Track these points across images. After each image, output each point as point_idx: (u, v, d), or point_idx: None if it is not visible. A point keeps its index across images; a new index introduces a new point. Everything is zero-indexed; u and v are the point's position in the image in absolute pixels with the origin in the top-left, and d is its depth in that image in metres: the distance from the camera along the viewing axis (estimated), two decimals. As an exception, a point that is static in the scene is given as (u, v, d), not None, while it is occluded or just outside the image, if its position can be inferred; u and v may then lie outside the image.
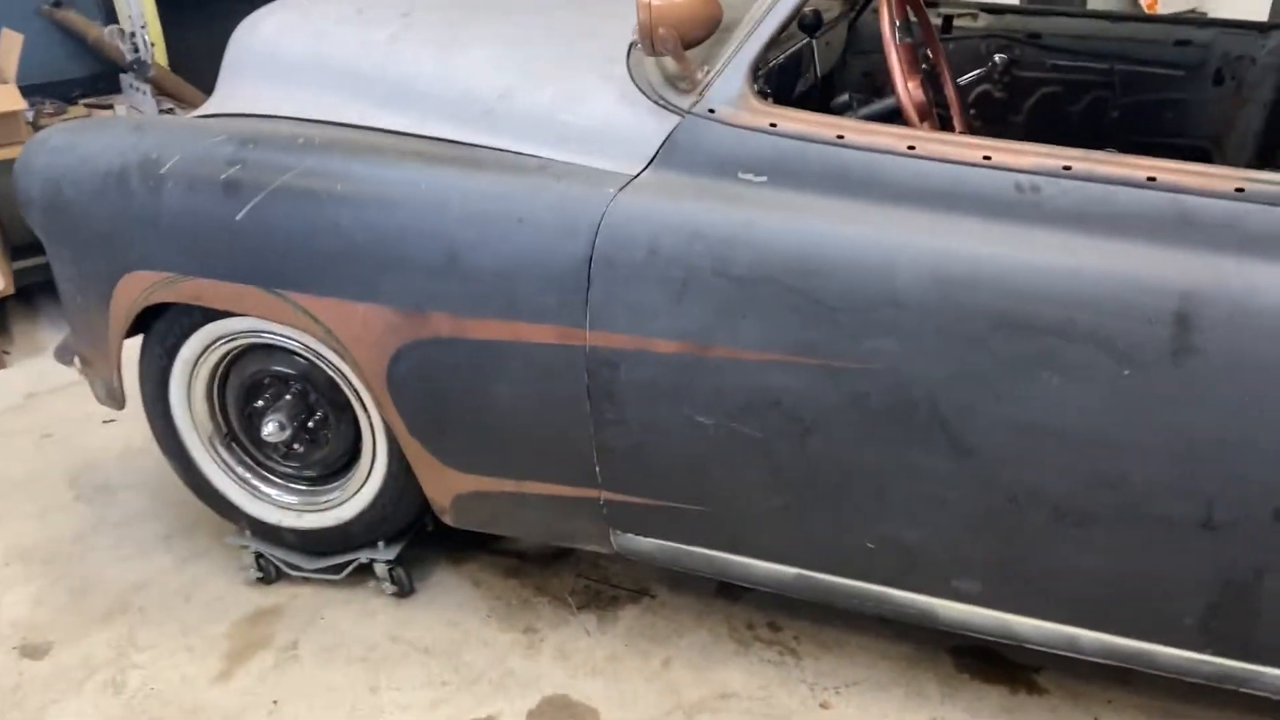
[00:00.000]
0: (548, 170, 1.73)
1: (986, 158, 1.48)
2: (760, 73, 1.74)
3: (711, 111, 1.64)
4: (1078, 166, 1.44)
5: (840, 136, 1.56)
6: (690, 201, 1.62)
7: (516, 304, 1.72)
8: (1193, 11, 4.28)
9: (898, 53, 1.81)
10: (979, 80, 2.78)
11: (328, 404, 2.11)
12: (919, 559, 1.68)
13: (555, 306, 1.70)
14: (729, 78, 1.63)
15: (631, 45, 1.89)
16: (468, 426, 1.86)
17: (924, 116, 1.79)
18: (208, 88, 4.32)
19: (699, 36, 1.63)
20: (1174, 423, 1.44)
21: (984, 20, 2.81)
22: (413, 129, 1.92)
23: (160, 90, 3.91)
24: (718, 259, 1.58)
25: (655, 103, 1.71)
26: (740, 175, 1.62)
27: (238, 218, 1.83)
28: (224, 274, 1.89)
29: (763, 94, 1.67)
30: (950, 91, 1.96)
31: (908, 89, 1.78)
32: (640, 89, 1.75)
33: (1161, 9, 4.27)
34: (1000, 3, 3.02)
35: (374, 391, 1.89)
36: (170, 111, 3.85)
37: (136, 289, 1.97)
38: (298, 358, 2.08)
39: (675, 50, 1.61)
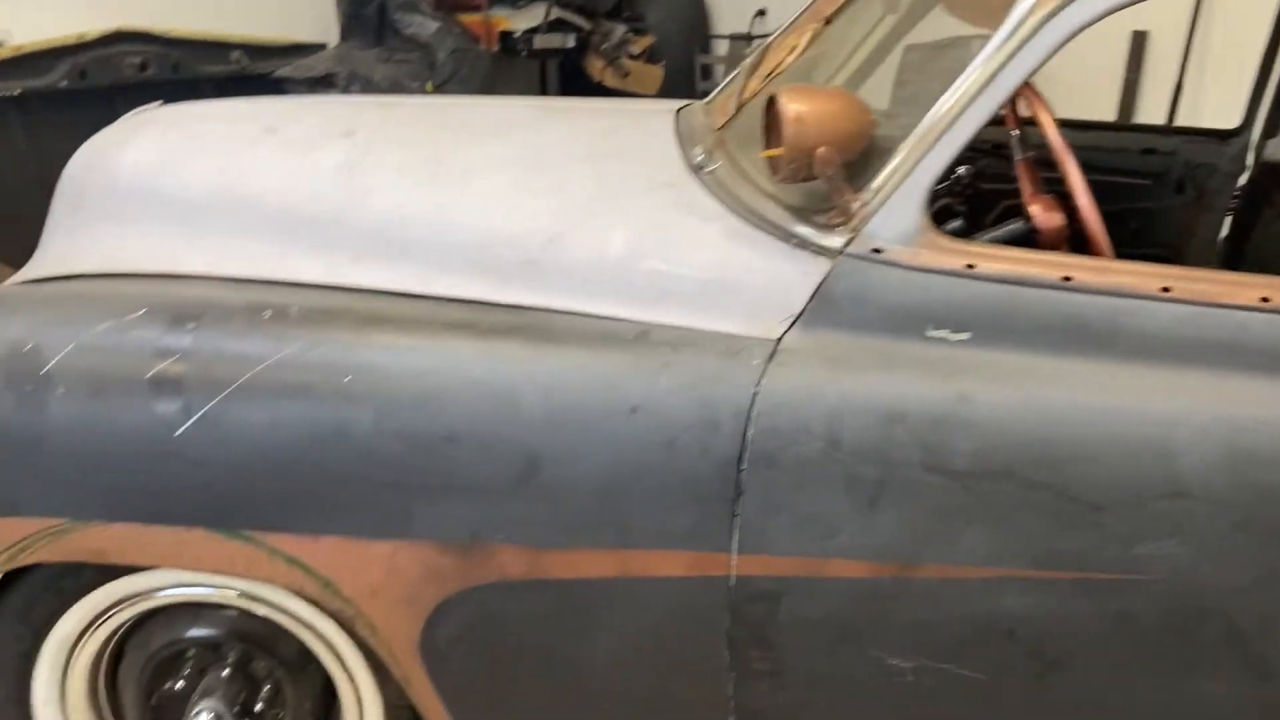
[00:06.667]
0: (653, 338, 1.27)
1: (1265, 299, 1.18)
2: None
3: (877, 251, 1.25)
4: (1381, 305, 1.17)
5: (1067, 279, 1.22)
6: (876, 372, 1.21)
7: (627, 527, 1.23)
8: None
9: (1025, 170, 1.52)
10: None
11: (282, 669, 1.48)
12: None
13: (687, 526, 1.22)
14: (899, 207, 1.24)
15: (698, 167, 1.49)
16: (546, 701, 1.32)
17: (1059, 243, 1.49)
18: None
19: (854, 155, 1.26)
20: None
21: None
22: (416, 288, 1.39)
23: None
24: (929, 448, 1.18)
25: (785, 241, 1.30)
26: (930, 333, 1.24)
27: (177, 433, 1.23)
28: (153, 514, 1.26)
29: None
30: (1089, 210, 1.52)
31: (1043, 212, 1.47)
32: (753, 224, 1.34)
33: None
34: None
35: (398, 663, 1.31)
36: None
37: (-6, 547, 1.29)
38: (228, 612, 1.45)
39: (837, 175, 1.22)
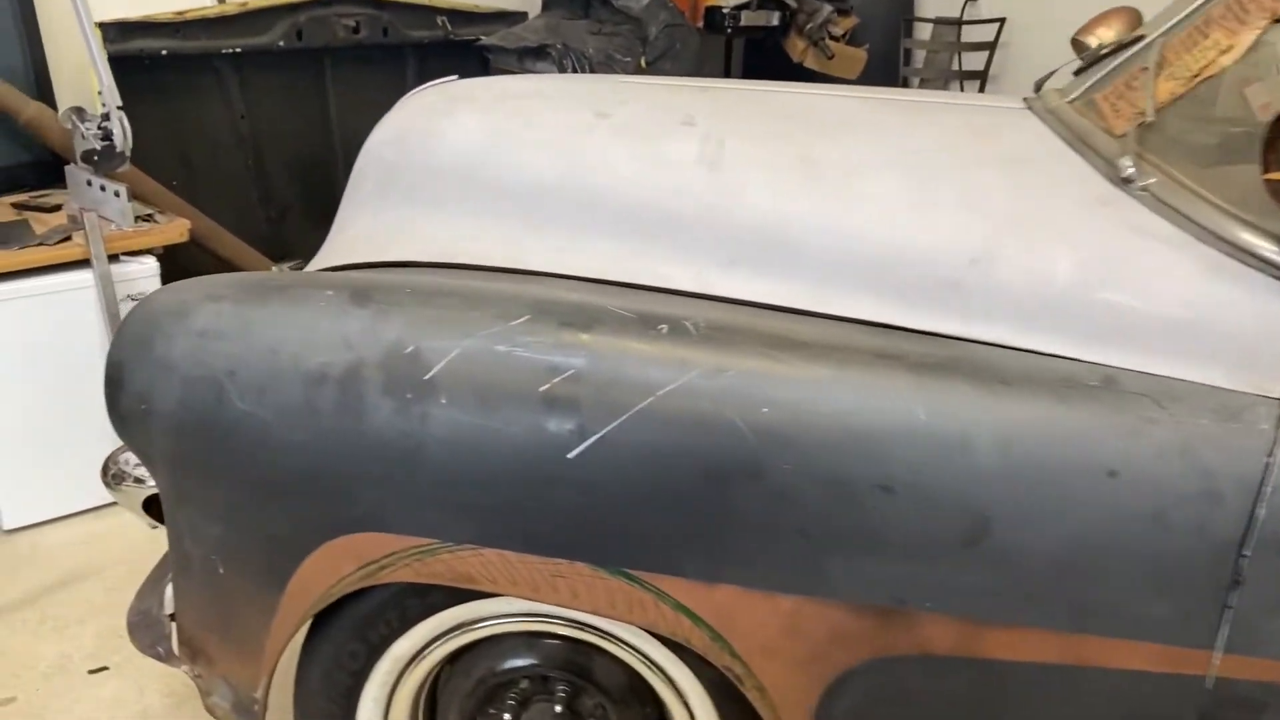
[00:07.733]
0: (1124, 386, 1.07)
1: None
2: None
3: None
4: None
5: None
6: None
7: (1086, 608, 1.04)
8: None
9: None
10: None
11: (613, 705, 1.35)
12: None
13: (1163, 615, 1.03)
14: None
15: (1127, 180, 1.28)
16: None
17: None
18: (163, 182, 3.44)
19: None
20: None
21: None
22: (808, 304, 1.23)
23: (132, 192, 3.00)
24: None
25: (1282, 281, 1.09)
26: None
27: (570, 455, 1.09)
28: (532, 543, 1.13)
29: None
30: None
31: None
32: (1230, 255, 1.13)
33: None
34: None
35: (784, 732, 1.16)
36: (149, 219, 2.96)
37: (353, 561, 1.18)
38: (557, 641, 1.33)
39: (1386, 209, 1.01)
